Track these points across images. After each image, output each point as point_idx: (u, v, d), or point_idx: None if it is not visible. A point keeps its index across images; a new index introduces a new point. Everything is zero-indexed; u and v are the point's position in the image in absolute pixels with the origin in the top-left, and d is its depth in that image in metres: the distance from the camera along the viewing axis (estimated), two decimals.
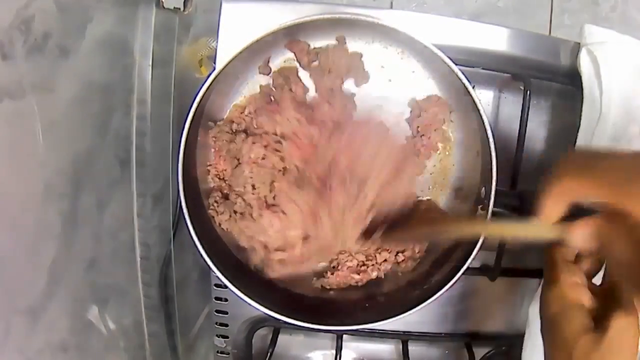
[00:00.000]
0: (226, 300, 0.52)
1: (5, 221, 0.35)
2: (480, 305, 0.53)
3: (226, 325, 0.53)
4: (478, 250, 0.41)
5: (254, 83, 0.46)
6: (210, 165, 0.47)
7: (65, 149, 0.41)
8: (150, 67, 0.51)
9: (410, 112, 0.46)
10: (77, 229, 0.43)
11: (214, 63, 0.46)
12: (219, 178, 0.47)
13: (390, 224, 0.42)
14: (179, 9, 0.55)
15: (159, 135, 0.54)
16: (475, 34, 0.47)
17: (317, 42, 0.44)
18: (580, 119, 0.46)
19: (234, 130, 0.45)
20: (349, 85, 0.46)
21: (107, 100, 0.47)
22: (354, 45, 0.45)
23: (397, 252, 0.48)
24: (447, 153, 0.47)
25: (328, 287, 0.48)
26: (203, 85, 0.39)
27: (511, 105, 0.47)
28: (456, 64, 0.39)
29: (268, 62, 0.45)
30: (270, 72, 0.45)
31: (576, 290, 0.39)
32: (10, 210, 0.36)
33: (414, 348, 0.52)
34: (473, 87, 0.40)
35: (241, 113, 0.46)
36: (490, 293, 0.52)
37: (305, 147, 0.43)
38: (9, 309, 0.36)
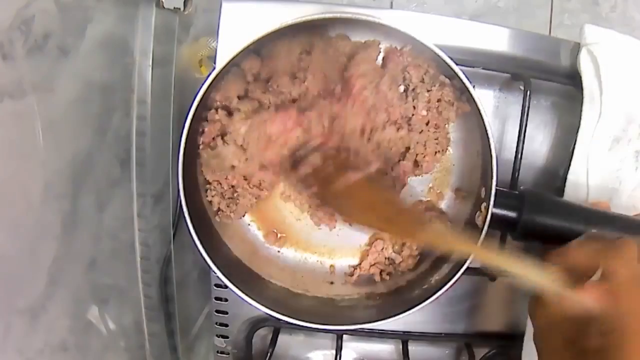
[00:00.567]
0: (226, 300, 0.52)
1: (5, 221, 0.35)
2: (480, 305, 0.53)
3: (226, 325, 0.53)
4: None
5: None
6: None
7: (65, 149, 0.41)
8: (150, 67, 0.51)
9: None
10: (77, 229, 0.43)
11: (214, 63, 0.46)
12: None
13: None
14: (179, 9, 0.55)
15: (159, 135, 0.54)
16: (475, 34, 0.47)
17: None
18: (580, 119, 0.46)
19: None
20: None
21: (107, 100, 0.47)
22: None
23: (395, 251, 0.48)
24: (447, 153, 0.47)
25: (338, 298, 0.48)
26: (203, 85, 0.39)
27: (511, 105, 0.47)
28: (456, 64, 0.39)
29: None
30: None
31: (561, 304, 0.38)
32: (10, 210, 0.36)
33: (414, 348, 0.52)
34: (473, 87, 0.40)
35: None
36: (490, 293, 0.52)
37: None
38: (9, 309, 0.36)
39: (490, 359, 0.53)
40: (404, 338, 0.52)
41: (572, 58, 0.48)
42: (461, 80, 0.39)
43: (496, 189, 0.40)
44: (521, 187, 0.42)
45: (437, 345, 0.55)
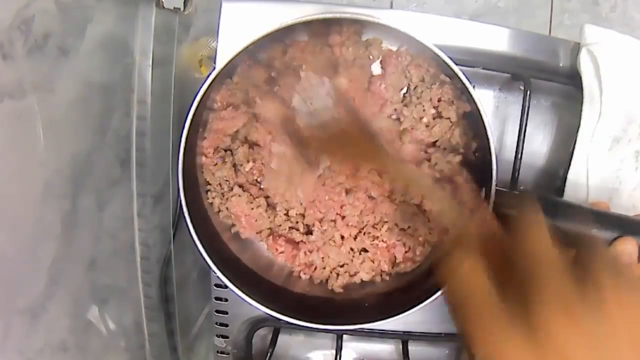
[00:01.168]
0: (226, 300, 0.52)
1: (5, 221, 0.35)
2: None
3: (226, 325, 0.53)
4: None
5: None
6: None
7: (65, 149, 0.41)
8: (150, 67, 0.51)
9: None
10: (77, 229, 0.43)
11: (214, 63, 0.46)
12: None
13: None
14: (179, 9, 0.55)
15: (159, 135, 0.54)
16: (475, 34, 0.47)
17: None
18: (580, 119, 0.46)
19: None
20: None
21: (107, 100, 0.47)
22: None
23: (396, 253, 0.48)
24: None
25: (337, 290, 0.48)
26: (203, 85, 0.39)
27: (511, 105, 0.48)
28: (456, 64, 0.39)
29: None
30: None
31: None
32: (10, 210, 0.36)
33: (414, 348, 0.52)
34: (473, 87, 0.40)
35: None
36: None
37: None
38: (9, 309, 0.36)
39: None
40: (404, 338, 0.52)
41: (572, 58, 0.48)
42: (461, 80, 0.39)
43: (496, 189, 0.40)
44: (521, 187, 0.42)
45: (437, 345, 0.55)
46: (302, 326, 0.43)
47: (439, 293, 0.42)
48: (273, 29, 0.38)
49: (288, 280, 0.49)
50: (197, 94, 0.39)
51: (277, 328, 0.52)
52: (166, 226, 0.58)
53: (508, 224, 0.31)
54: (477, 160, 0.45)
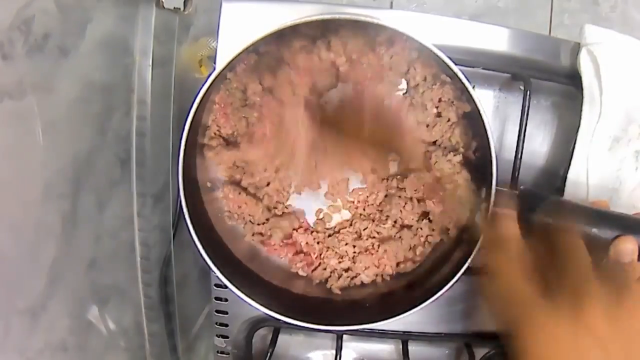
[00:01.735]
0: (226, 300, 0.52)
1: (5, 221, 0.35)
2: (480, 305, 0.53)
3: (226, 325, 0.53)
4: (477, 250, 0.41)
5: None
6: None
7: (65, 149, 0.41)
8: (150, 67, 0.51)
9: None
10: (77, 229, 0.43)
11: (214, 63, 0.46)
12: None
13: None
14: (179, 9, 0.55)
15: (159, 135, 0.54)
16: (475, 34, 0.47)
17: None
18: (580, 119, 0.46)
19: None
20: None
21: (107, 100, 0.47)
22: None
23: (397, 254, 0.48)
24: None
25: (337, 291, 0.48)
26: (203, 85, 0.39)
27: (511, 105, 0.48)
28: (456, 64, 0.39)
29: None
30: None
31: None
32: (10, 210, 0.36)
33: (414, 348, 0.52)
34: (473, 87, 0.40)
35: None
36: None
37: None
38: (9, 309, 0.36)
39: (490, 359, 0.53)
40: (404, 338, 0.52)
41: (572, 58, 0.48)
42: (461, 80, 0.39)
43: (496, 189, 0.40)
44: (521, 187, 0.42)
45: (437, 345, 0.55)
46: (302, 326, 0.43)
47: (439, 293, 0.42)
48: (273, 29, 0.38)
49: (288, 280, 0.49)
50: (197, 94, 0.39)
51: (277, 328, 0.52)
52: (166, 226, 0.58)
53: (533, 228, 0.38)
54: (477, 160, 0.45)
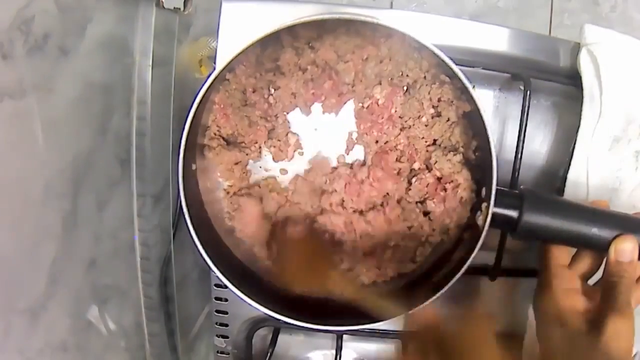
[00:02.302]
0: (226, 300, 0.52)
1: (5, 221, 0.35)
2: (480, 305, 0.53)
3: (226, 325, 0.53)
4: (477, 250, 0.41)
5: None
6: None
7: (65, 149, 0.41)
8: (150, 67, 0.51)
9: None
10: (77, 229, 0.43)
11: (214, 63, 0.46)
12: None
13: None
14: (179, 9, 0.55)
15: (159, 135, 0.54)
16: (475, 34, 0.47)
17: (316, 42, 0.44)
18: (580, 119, 0.46)
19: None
20: None
21: (107, 100, 0.47)
22: None
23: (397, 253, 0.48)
24: None
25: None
26: (203, 85, 0.39)
27: (511, 105, 0.47)
28: (456, 64, 0.39)
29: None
30: None
31: (569, 296, 0.39)
32: (10, 210, 0.36)
33: None
34: (473, 87, 0.40)
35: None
36: (490, 293, 0.52)
37: None
38: (9, 309, 0.36)
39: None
40: None
41: (572, 58, 0.48)
42: (461, 80, 0.39)
43: (496, 189, 0.40)
44: (521, 187, 0.42)
45: None
46: (302, 326, 0.43)
47: (439, 293, 0.42)
48: (273, 29, 0.38)
49: None
50: (197, 94, 0.39)
51: (277, 328, 0.52)
52: (166, 226, 0.58)
53: None
54: (477, 160, 0.45)
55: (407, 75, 0.45)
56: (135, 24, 0.50)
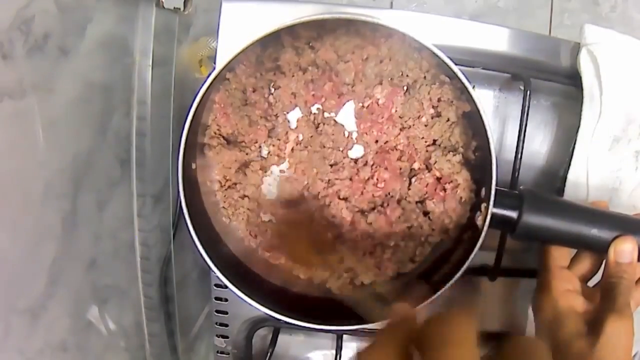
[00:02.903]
0: (226, 300, 0.52)
1: (5, 221, 0.35)
2: (480, 305, 0.53)
3: (226, 325, 0.53)
4: (477, 250, 0.41)
5: None
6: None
7: (65, 149, 0.41)
8: (150, 67, 0.51)
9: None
10: (77, 229, 0.44)
11: (214, 63, 0.46)
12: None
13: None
14: (179, 9, 0.55)
15: (159, 135, 0.54)
16: (475, 34, 0.47)
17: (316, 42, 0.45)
18: (580, 119, 0.46)
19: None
20: None
21: (107, 100, 0.47)
22: None
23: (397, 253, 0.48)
24: None
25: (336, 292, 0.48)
26: (203, 85, 0.39)
27: (511, 105, 0.47)
28: (456, 64, 0.39)
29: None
30: None
31: (569, 297, 0.39)
32: (10, 210, 0.36)
33: None
34: (473, 87, 0.40)
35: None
36: (490, 293, 0.52)
37: None
38: (9, 309, 0.36)
39: (490, 359, 0.53)
40: None
41: (572, 58, 0.48)
42: (461, 80, 0.39)
43: (496, 189, 0.40)
44: (521, 187, 0.42)
45: None
46: (302, 326, 0.43)
47: (439, 293, 0.42)
48: (273, 29, 0.38)
49: (288, 280, 0.49)
50: (197, 94, 0.39)
51: (277, 328, 0.52)
52: (166, 226, 0.58)
53: None
54: (476, 160, 0.45)
55: (407, 75, 0.45)
56: (135, 24, 0.50)
